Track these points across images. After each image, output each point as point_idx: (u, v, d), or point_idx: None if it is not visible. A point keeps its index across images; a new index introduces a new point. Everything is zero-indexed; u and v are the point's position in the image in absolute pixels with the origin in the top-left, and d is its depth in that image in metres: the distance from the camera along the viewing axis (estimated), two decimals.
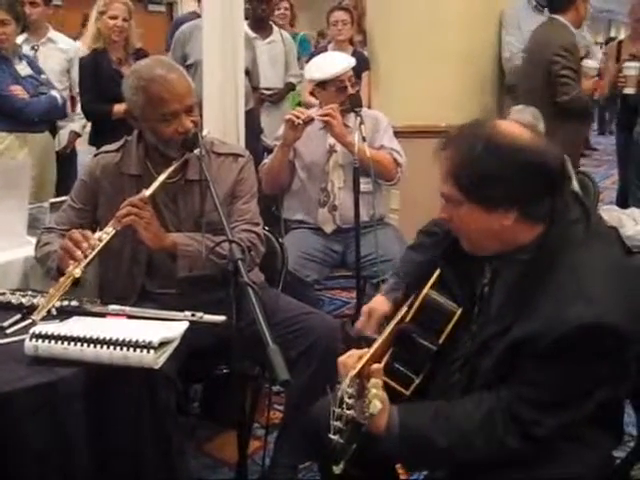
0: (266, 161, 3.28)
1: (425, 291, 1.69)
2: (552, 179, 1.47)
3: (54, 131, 4.29)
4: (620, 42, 5.24)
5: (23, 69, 3.93)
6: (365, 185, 3.02)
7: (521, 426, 1.45)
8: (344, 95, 3.13)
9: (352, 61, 3.25)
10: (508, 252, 1.54)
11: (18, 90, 3.80)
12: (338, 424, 1.48)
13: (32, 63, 4.04)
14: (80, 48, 4.54)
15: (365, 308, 1.92)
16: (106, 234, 2.06)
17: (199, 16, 4.83)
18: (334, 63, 3.19)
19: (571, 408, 1.44)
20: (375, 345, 1.59)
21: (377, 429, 1.50)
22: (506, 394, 1.47)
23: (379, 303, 1.90)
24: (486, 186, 1.46)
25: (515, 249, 1.53)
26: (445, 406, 1.54)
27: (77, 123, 4.52)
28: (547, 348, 1.40)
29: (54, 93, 4.03)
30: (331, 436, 1.49)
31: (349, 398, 1.47)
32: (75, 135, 4.54)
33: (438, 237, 1.84)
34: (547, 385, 1.43)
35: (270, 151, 3.50)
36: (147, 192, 2.13)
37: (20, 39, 4.32)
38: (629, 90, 4.57)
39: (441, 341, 1.65)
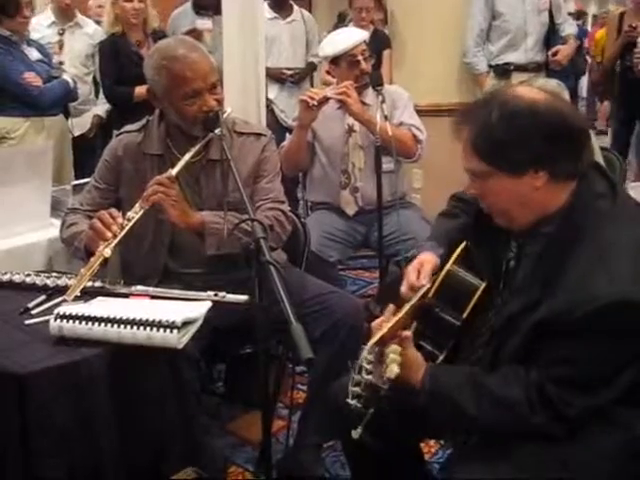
0: (285, 143, 3.25)
1: (448, 266, 1.67)
2: (572, 136, 1.45)
3: (66, 114, 4.29)
4: (622, 14, 5.01)
5: (31, 53, 3.92)
6: (387, 164, 2.99)
7: (552, 406, 1.43)
8: (357, 70, 3.09)
9: (364, 35, 3.22)
10: (536, 225, 1.51)
11: (31, 77, 3.80)
12: (357, 389, 1.50)
13: (41, 48, 4.04)
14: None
15: (415, 262, 1.80)
16: (135, 213, 2.06)
17: None
18: (345, 37, 3.16)
19: (601, 388, 1.42)
20: (397, 316, 1.58)
21: (414, 382, 1.52)
22: (536, 374, 1.45)
23: (428, 256, 1.81)
24: (509, 151, 1.44)
25: (543, 219, 1.50)
26: (476, 376, 1.53)
27: (100, 107, 4.52)
28: (575, 325, 1.38)
29: (66, 77, 4.04)
30: (349, 401, 1.50)
31: (368, 364, 1.49)
32: (99, 119, 4.54)
33: (469, 203, 1.79)
34: (576, 364, 1.41)
35: (291, 131, 3.49)
36: (173, 171, 2.13)
37: (46, 22, 4.36)
38: None
39: (465, 316, 1.63)
